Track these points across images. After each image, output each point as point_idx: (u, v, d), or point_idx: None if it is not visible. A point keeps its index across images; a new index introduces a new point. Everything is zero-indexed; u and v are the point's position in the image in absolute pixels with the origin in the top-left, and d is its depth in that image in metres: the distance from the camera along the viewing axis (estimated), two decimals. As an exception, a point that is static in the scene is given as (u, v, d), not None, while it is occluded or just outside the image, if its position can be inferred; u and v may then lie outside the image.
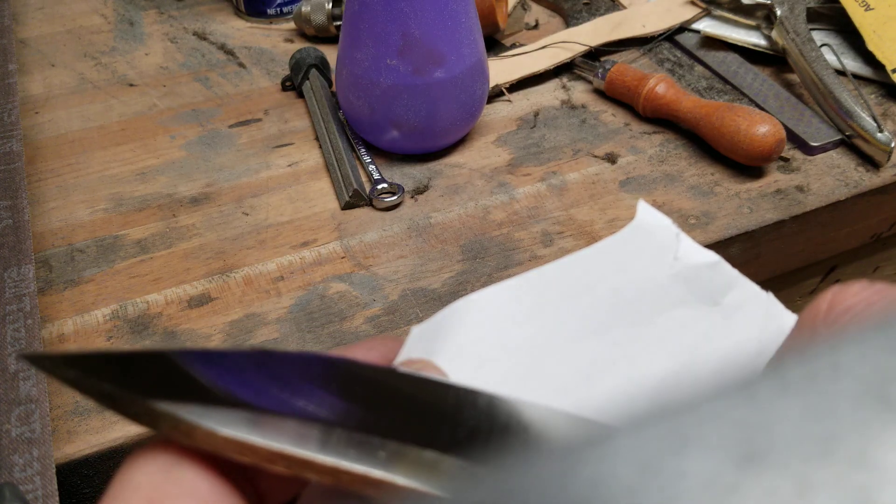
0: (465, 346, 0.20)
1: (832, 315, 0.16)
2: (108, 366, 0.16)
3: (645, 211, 0.24)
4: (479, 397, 0.17)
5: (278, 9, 0.71)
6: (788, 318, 0.23)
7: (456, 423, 0.16)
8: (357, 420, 0.16)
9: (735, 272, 0.23)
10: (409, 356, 0.20)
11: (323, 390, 0.16)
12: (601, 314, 0.22)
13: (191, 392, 0.15)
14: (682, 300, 0.22)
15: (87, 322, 0.43)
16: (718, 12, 0.66)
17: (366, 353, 0.19)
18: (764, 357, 0.21)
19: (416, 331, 0.20)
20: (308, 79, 0.60)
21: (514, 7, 0.66)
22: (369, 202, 0.51)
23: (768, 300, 0.23)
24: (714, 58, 0.63)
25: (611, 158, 0.54)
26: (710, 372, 0.17)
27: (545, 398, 0.20)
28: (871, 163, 0.54)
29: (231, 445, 0.15)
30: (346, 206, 0.51)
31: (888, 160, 0.53)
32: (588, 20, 0.67)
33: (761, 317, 0.23)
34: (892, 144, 0.52)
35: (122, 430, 0.38)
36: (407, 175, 0.53)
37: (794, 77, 0.61)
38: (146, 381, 0.15)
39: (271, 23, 0.71)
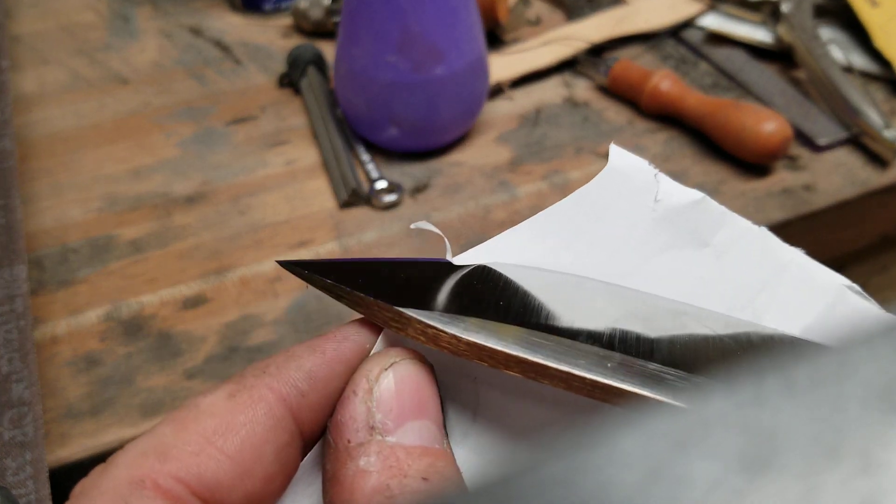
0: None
1: None
2: (359, 274, 0.18)
3: (618, 155, 0.22)
4: (689, 308, 0.18)
5: (275, 4, 0.70)
6: (787, 253, 0.21)
7: (671, 337, 0.18)
8: (581, 332, 0.17)
9: (722, 208, 0.22)
10: (386, 345, 0.19)
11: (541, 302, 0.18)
12: (585, 271, 0.20)
13: (430, 300, 0.18)
14: (670, 244, 0.21)
15: (81, 323, 0.42)
16: (724, 8, 0.65)
17: (338, 344, 0.18)
18: (767, 295, 0.20)
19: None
20: (306, 75, 0.59)
21: (516, 2, 0.65)
22: (368, 201, 0.50)
23: (762, 234, 0.21)
24: (719, 54, 0.62)
25: (614, 156, 0.54)
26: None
27: None
28: (878, 161, 0.53)
29: (473, 350, 0.17)
30: (345, 206, 0.50)
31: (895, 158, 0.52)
32: (590, 16, 0.66)
33: (758, 253, 0.21)
34: (901, 142, 0.51)
35: (116, 433, 0.37)
36: (406, 173, 0.52)
37: (800, 74, 0.60)
38: (395, 288, 0.18)
39: (268, 18, 0.70)
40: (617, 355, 0.17)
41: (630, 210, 0.21)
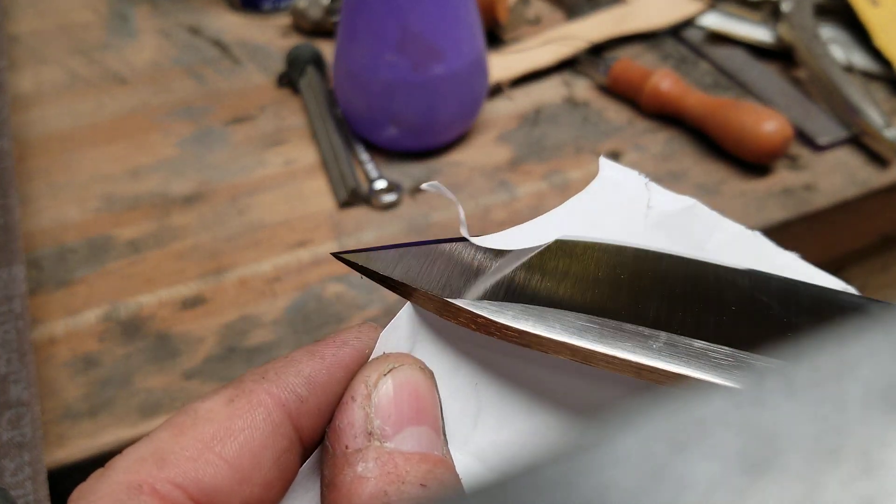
0: (443, 331, 0.19)
1: None
2: (410, 262, 0.19)
3: (608, 167, 0.22)
4: (739, 276, 0.18)
5: (274, 3, 0.69)
6: (782, 256, 0.21)
7: (721, 306, 0.18)
8: (625, 310, 0.17)
9: (715, 213, 0.22)
10: (384, 351, 0.19)
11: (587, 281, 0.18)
12: None
13: (479, 285, 0.18)
14: (665, 249, 0.21)
15: (79, 323, 0.42)
16: (724, 7, 0.65)
17: (337, 349, 0.18)
18: None
19: (387, 330, 0.19)
20: (305, 75, 0.59)
21: (516, 2, 0.65)
22: (367, 201, 0.50)
23: (756, 238, 0.21)
24: (719, 53, 0.62)
25: (614, 156, 0.53)
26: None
27: (549, 381, 0.19)
28: (879, 160, 0.53)
29: (522, 337, 0.17)
30: (344, 205, 0.50)
31: (897, 158, 0.52)
32: (590, 15, 0.66)
33: (752, 257, 0.21)
34: (902, 142, 0.51)
35: (114, 433, 0.37)
36: (405, 173, 0.52)
37: (800, 73, 0.60)
38: (445, 276, 0.18)
39: (267, 18, 0.69)
40: (663, 335, 0.17)
41: (624, 217, 0.21)
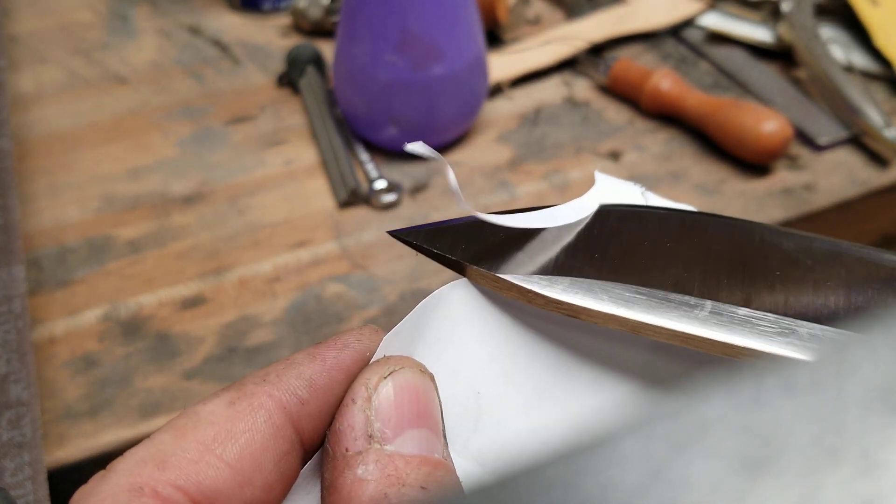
0: (444, 335, 0.19)
1: None
2: (462, 239, 0.19)
3: (604, 180, 0.22)
4: (784, 238, 0.18)
5: (274, 3, 0.69)
6: None
7: (766, 271, 0.18)
8: (671, 279, 0.18)
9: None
10: (385, 354, 0.19)
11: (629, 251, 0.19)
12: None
13: (531, 258, 0.19)
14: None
15: (79, 323, 0.42)
16: (724, 7, 0.65)
17: (338, 352, 0.18)
18: None
19: (389, 336, 0.19)
20: (305, 75, 0.59)
21: (516, 2, 0.65)
22: (367, 201, 0.50)
23: None
24: (719, 53, 0.62)
25: (614, 156, 0.53)
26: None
27: (543, 381, 0.19)
28: (879, 160, 0.53)
29: (573, 310, 0.18)
30: (344, 205, 0.50)
31: (897, 158, 0.52)
32: (590, 15, 0.66)
33: None
34: (902, 142, 0.51)
35: (114, 433, 0.37)
36: (405, 173, 0.52)
37: (800, 73, 0.60)
38: (497, 250, 0.19)
39: (267, 18, 0.69)
40: (708, 303, 0.18)
41: None
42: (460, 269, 0.19)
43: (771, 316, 0.17)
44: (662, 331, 0.17)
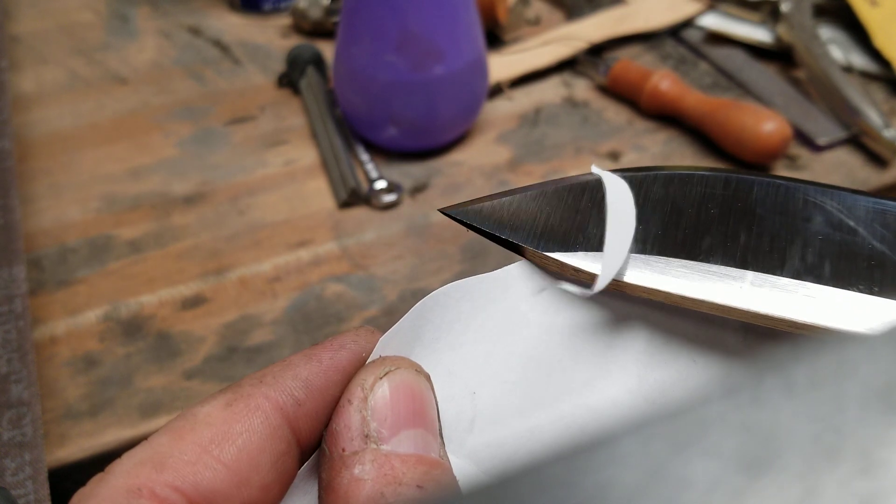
0: (440, 336, 0.19)
1: None
2: (515, 216, 0.20)
3: (601, 175, 0.22)
4: (828, 197, 0.19)
5: (274, 4, 0.70)
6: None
7: (808, 235, 0.18)
8: (713, 249, 0.18)
9: None
10: (382, 354, 0.19)
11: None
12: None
13: (578, 237, 0.19)
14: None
15: (80, 323, 0.42)
16: (723, 7, 0.65)
17: (334, 353, 0.18)
18: None
19: (386, 336, 0.19)
20: (305, 75, 0.59)
21: (515, 2, 0.65)
22: (367, 201, 0.50)
23: None
24: (719, 54, 0.62)
25: (614, 156, 0.54)
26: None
27: (538, 381, 0.19)
28: (878, 161, 0.53)
29: (619, 286, 0.18)
30: (344, 206, 0.50)
31: (896, 158, 0.52)
32: (590, 15, 0.66)
33: None
34: (901, 142, 0.51)
35: (115, 433, 0.37)
36: (405, 173, 0.52)
37: (800, 73, 0.60)
38: (547, 229, 0.19)
39: (267, 18, 0.70)
40: (749, 274, 0.18)
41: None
42: (516, 250, 0.20)
43: (812, 285, 0.17)
44: (704, 304, 0.18)
